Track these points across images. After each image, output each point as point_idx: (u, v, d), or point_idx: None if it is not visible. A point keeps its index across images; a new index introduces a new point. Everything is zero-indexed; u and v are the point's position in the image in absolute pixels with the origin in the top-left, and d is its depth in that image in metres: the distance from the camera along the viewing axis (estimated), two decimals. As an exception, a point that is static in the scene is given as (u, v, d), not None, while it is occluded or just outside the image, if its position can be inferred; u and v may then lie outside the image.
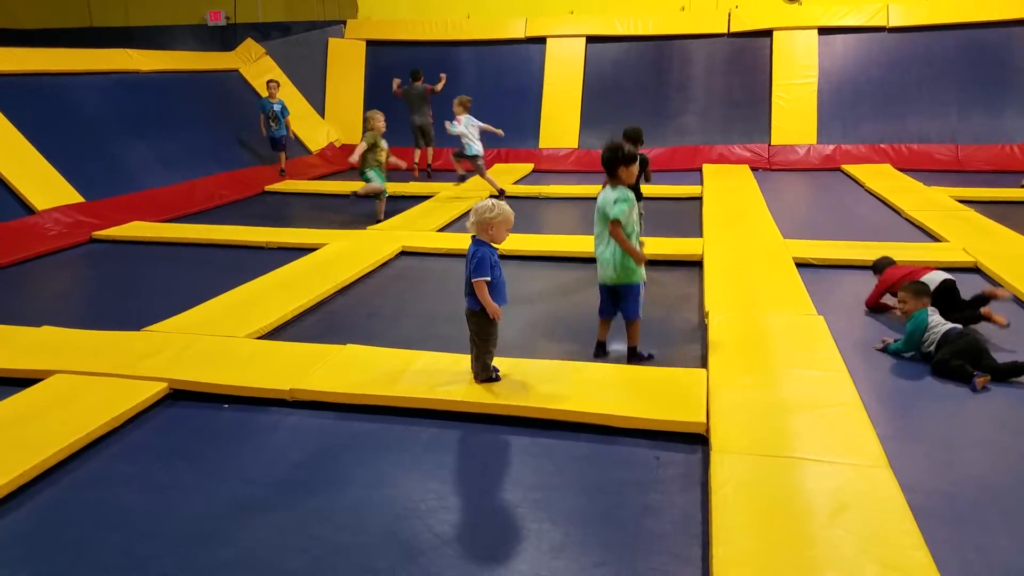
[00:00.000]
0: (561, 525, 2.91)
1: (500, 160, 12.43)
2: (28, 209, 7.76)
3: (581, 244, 6.87)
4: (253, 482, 3.25)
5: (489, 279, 3.72)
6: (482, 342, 3.86)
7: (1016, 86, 11.36)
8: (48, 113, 8.95)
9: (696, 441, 3.46)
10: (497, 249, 3.85)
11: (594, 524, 2.92)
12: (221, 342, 4.58)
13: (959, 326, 4.26)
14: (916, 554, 2.52)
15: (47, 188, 8.09)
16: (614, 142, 4.30)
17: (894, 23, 11.86)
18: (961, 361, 4.02)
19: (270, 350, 4.48)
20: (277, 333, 4.97)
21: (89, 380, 4.05)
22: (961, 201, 8.27)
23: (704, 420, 3.49)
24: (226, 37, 14.40)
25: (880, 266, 5.29)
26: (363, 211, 8.67)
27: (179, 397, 4.03)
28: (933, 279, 4.76)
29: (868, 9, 11.97)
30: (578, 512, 2.99)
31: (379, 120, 8.42)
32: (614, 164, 4.18)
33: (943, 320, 4.31)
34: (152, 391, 3.94)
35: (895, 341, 4.42)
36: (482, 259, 3.72)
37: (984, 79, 11.51)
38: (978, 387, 3.89)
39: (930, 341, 4.21)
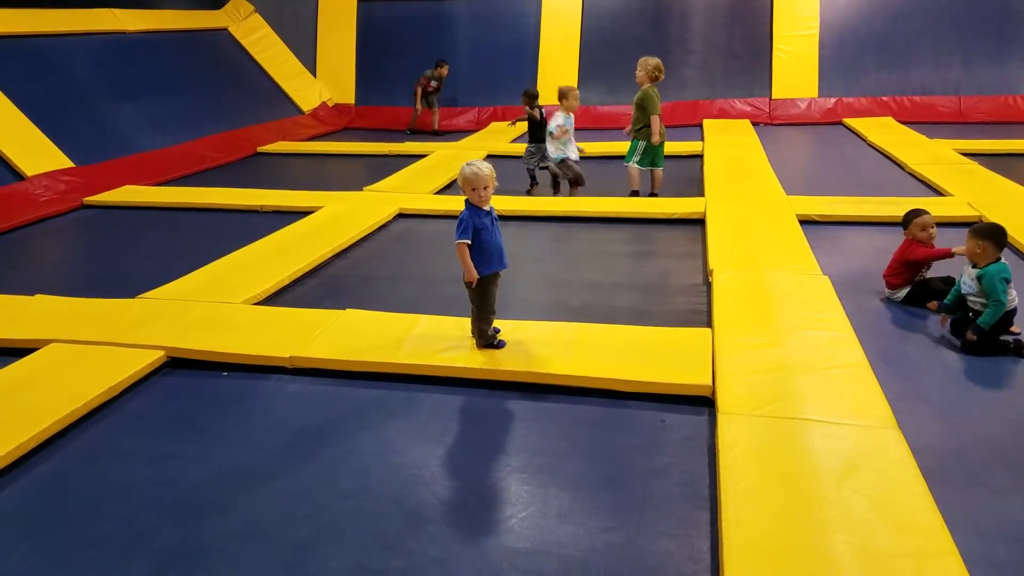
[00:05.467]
0: (568, 490, 2.88)
1: (496, 118, 12.24)
2: (18, 175, 7.62)
3: (582, 204, 6.79)
4: (256, 451, 3.21)
5: (468, 242, 3.61)
6: (476, 308, 3.79)
7: (1021, 36, 11.13)
8: (34, 76, 8.75)
9: (702, 403, 3.42)
10: (490, 211, 3.73)
11: (601, 488, 2.89)
12: (218, 308, 4.51)
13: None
14: (927, 515, 2.49)
15: (36, 153, 7.94)
16: None
17: (898, -29, 11.56)
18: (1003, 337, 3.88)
19: (268, 316, 4.42)
20: (275, 298, 4.90)
21: (85, 349, 3.99)
22: (964, 154, 8.15)
23: (710, 382, 3.44)
24: (214, -6, 14.03)
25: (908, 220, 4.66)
26: (357, 172, 8.54)
27: (177, 365, 3.98)
28: None
29: (871, -44, 11.67)
30: (584, 477, 2.97)
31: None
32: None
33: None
34: (150, 359, 3.88)
35: (973, 313, 3.94)
36: (460, 221, 3.64)
37: (988, 29, 11.26)
38: None
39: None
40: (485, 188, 3.63)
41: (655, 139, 6.97)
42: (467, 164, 3.67)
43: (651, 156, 7.09)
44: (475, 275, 3.65)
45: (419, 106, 11.83)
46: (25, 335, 4.20)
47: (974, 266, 3.95)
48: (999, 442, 3.08)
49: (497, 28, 12.84)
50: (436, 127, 11.91)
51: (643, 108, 7.01)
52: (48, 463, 3.16)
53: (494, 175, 3.67)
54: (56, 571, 2.53)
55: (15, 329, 4.29)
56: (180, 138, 9.78)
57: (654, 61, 7.06)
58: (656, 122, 6.93)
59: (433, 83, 11.83)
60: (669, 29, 12.36)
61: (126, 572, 2.51)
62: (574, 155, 7.19)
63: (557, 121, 7.07)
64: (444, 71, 11.86)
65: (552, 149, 7.18)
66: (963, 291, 3.98)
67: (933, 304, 4.36)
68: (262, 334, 4.13)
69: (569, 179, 7.22)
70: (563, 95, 7.21)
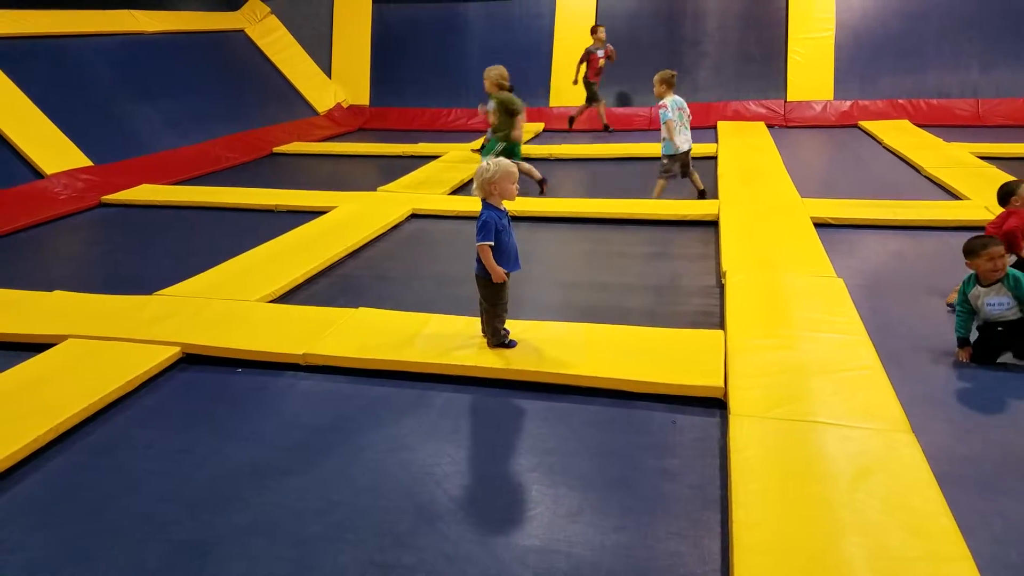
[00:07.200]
0: (578, 490, 2.88)
1: (510, 119, 12.24)
2: (37, 173, 7.71)
3: (593, 206, 6.79)
4: (269, 447, 3.24)
5: (492, 243, 3.64)
6: (491, 307, 3.80)
7: (1040, 38, 11.02)
8: (53, 76, 8.85)
9: (714, 405, 3.41)
10: (506, 212, 3.77)
11: (611, 489, 2.89)
12: (233, 306, 4.55)
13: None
14: (940, 520, 2.48)
15: (55, 152, 8.03)
16: None
17: (915, -28, 11.48)
18: None
19: (282, 314, 4.45)
20: (289, 297, 4.93)
21: (102, 345, 4.03)
22: (982, 157, 8.08)
23: (722, 384, 3.43)
24: (231, -4, 14.15)
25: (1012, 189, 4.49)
26: (371, 173, 8.57)
27: (192, 361, 4.02)
28: None
29: (888, -42, 11.59)
30: (595, 477, 2.97)
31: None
32: None
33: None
34: (165, 355, 3.92)
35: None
36: (485, 223, 3.65)
37: (1007, 31, 11.14)
38: None
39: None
40: (512, 183, 3.71)
41: (516, 135, 7.40)
42: (498, 160, 3.72)
43: (512, 153, 7.35)
44: (503, 275, 3.69)
45: (578, 78, 10.81)
46: (43, 330, 4.25)
47: (985, 282, 3.69)
48: (1013, 447, 3.06)
49: (512, 30, 12.84)
50: (605, 122, 10.59)
51: (509, 112, 7.36)
52: (64, 456, 3.20)
53: None
54: (71, 562, 2.56)
55: (34, 324, 4.34)
56: (196, 138, 9.86)
57: (496, 71, 7.46)
58: (520, 121, 7.38)
59: (600, 54, 10.57)
60: (684, 31, 12.32)
61: (140, 564, 2.54)
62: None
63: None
64: (601, 33, 10.74)
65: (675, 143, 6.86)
66: (993, 312, 3.69)
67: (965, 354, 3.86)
68: (276, 331, 4.16)
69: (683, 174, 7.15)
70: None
